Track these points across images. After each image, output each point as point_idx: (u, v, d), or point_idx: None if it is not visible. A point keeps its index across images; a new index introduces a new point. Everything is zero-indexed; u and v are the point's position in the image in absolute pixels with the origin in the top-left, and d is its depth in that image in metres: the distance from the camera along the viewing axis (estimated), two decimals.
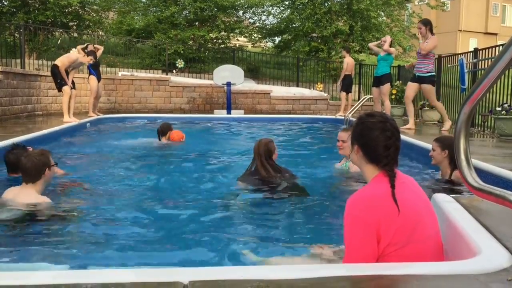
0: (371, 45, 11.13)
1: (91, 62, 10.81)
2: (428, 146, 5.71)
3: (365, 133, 2.07)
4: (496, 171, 4.11)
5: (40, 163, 3.50)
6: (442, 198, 2.56)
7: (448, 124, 8.77)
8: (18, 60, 13.65)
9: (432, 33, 8.44)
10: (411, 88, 8.81)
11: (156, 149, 7.24)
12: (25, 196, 3.48)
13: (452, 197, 2.63)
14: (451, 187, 4.07)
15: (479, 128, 9.27)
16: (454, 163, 4.20)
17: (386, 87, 9.99)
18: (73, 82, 10.09)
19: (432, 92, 8.72)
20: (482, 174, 4.03)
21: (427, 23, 8.54)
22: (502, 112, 7.66)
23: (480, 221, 2.20)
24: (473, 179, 1.99)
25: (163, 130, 7.53)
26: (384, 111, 9.99)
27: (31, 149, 4.15)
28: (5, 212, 3.38)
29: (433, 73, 8.64)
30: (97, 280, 1.60)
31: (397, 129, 2.07)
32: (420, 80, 8.59)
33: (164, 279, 1.61)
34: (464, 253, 1.94)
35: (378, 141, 2.03)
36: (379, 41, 10.77)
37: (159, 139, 7.49)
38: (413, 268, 1.75)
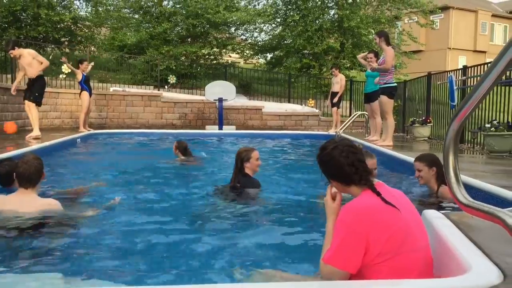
0: (359, 56, 11.16)
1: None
2: None
3: (328, 166, 2.20)
4: (485, 188, 4.13)
5: (40, 167, 3.66)
6: (432, 214, 2.56)
7: (385, 143, 8.58)
8: (9, 75, 13.61)
9: (387, 44, 8.46)
10: (376, 104, 9.10)
11: (150, 165, 7.18)
12: (32, 200, 3.57)
13: (442, 213, 2.63)
14: (439, 202, 4.08)
15: (469, 144, 9.34)
16: (440, 179, 4.21)
17: (376, 104, 9.92)
18: (39, 96, 9.20)
19: (388, 104, 8.62)
20: (472, 190, 4.05)
21: (381, 35, 8.63)
22: (491, 129, 7.72)
23: (470, 237, 2.20)
24: (463, 195, 2.00)
25: (185, 148, 7.18)
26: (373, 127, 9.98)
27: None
28: (13, 217, 3.44)
29: (391, 85, 8.58)
30: None
31: (349, 145, 2.21)
32: (379, 91, 8.66)
33: None
34: (454, 269, 1.94)
35: (341, 165, 2.15)
36: (366, 54, 10.69)
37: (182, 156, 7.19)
38: (402, 285, 1.74)
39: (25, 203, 3.53)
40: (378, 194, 2.04)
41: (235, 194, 4.60)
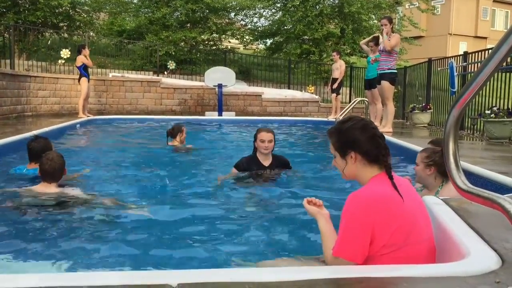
0: (362, 42, 11.09)
1: None
2: (420, 149, 5.74)
3: (353, 137, 2.09)
4: (485, 174, 4.14)
5: (63, 164, 3.89)
6: (431, 200, 2.57)
7: (384, 129, 8.56)
8: (8, 61, 13.54)
9: (393, 31, 8.53)
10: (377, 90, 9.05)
11: (150, 151, 7.18)
12: (53, 190, 3.79)
13: (441, 199, 2.64)
14: None
15: (469, 131, 9.34)
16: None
17: (377, 90, 9.89)
18: None
19: (390, 90, 8.65)
20: (471, 176, 4.06)
21: (392, 21, 8.59)
22: (491, 115, 7.71)
23: (469, 223, 2.21)
24: (462, 181, 2.00)
25: (173, 132, 7.00)
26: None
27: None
28: (34, 203, 3.66)
29: (394, 71, 8.61)
30: (85, 283, 1.59)
31: (370, 121, 2.20)
32: (380, 77, 8.61)
33: (152, 282, 1.60)
34: (453, 255, 1.95)
35: (368, 138, 2.07)
36: (369, 39, 10.62)
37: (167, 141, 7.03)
38: (402, 270, 1.75)
39: (47, 193, 3.76)
40: (391, 178, 2.01)
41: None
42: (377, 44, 9.90)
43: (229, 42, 25.89)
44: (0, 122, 9.53)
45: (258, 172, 4.70)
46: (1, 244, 2.93)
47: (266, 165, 4.73)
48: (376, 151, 2.07)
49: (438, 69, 11.35)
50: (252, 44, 24.84)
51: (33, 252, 2.82)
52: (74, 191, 3.94)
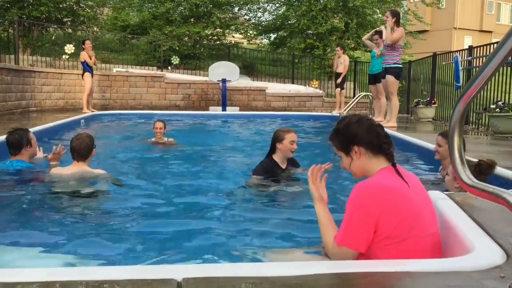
0: (364, 38, 11.03)
1: None
2: (425, 144, 5.74)
3: (352, 131, 2.13)
4: None
5: (91, 144, 4.13)
6: (436, 195, 2.57)
7: (389, 124, 8.53)
8: (12, 56, 13.57)
9: (398, 26, 8.44)
10: (381, 85, 9.03)
11: (152, 147, 7.20)
12: (82, 170, 4.07)
13: (446, 194, 2.64)
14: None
15: (474, 125, 9.30)
16: None
17: (381, 85, 9.85)
18: None
19: (394, 85, 8.60)
20: None
21: (395, 14, 8.51)
22: (496, 110, 7.68)
23: (473, 218, 2.21)
24: (467, 176, 2.00)
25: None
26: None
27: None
28: (64, 184, 3.97)
29: (399, 65, 8.56)
30: (91, 277, 1.60)
31: (365, 115, 2.28)
32: (385, 71, 8.58)
33: (158, 276, 1.61)
34: (458, 250, 1.95)
35: (366, 130, 2.11)
36: (371, 33, 10.54)
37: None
38: (406, 265, 1.76)
39: (76, 173, 4.05)
40: (394, 165, 2.05)
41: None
42: (381, 36, 9.82)
43: (233, 36, 25.85)
44: (5, 117, 9.57)
45: (278, 175, 4.48)
46: (5, 233, 2.97)
47: (284, 167, 4.53)
48: (377, 140, 2.10)
49: (443, 63, 11.30)
50: (256, 39, 24.78)
51: (36, 242, 2.84)
52: (102, 173, 4.18)
